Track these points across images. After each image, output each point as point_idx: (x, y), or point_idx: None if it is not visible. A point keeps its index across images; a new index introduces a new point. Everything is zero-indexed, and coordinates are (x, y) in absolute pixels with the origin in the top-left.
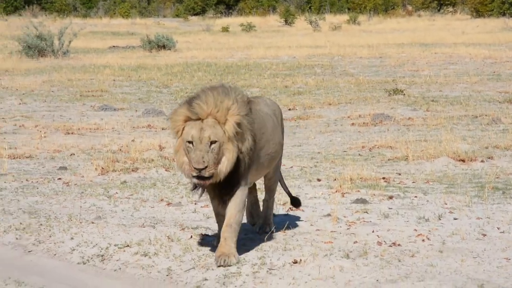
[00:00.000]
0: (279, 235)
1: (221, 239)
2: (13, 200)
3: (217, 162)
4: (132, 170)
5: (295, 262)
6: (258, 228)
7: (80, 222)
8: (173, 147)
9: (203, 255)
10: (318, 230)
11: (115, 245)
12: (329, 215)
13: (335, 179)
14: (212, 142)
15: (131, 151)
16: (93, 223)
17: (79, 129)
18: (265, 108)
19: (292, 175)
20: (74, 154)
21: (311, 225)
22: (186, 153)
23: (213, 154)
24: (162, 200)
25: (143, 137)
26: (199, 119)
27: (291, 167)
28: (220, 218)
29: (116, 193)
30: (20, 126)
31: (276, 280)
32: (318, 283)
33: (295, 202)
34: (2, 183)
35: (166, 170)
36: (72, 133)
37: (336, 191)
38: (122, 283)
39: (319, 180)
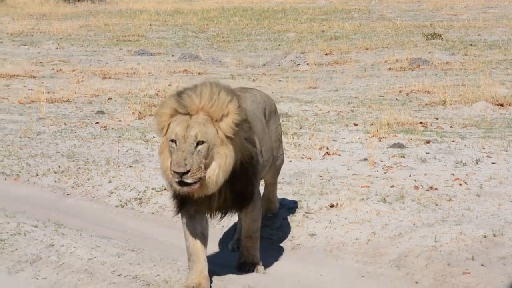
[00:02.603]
0: (316, 179)
1: (243, 249)
2: (51, 144)
3: (205, 167)
4: None
5: (332, 206)
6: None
7: (118, 166)
8: (158, 148)
9: None
10: (355, 174)
11: (152, 189)
12: (366, 159)
13: (372, 124)
14: (199, 143)
15: (167, 96)
16: (130, 166)
17: (116, 73)
18: (253, 105)
19: (329, 119)
20: (111, 99)
21: (348, 169)
22: (170, 155)
23: (199, 157)
24: None
25: (179, 81)
26: (187, 114)
27: (328, 112)
28: (198, 240)
29: (153, 137)
30: (57, 71)
31: (312, 224)
32: (354, 227)
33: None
34: (40, 126)
35: None
36: (109, 78)
37: (373, 136)
38: (159, 225)
39: (356, 124)
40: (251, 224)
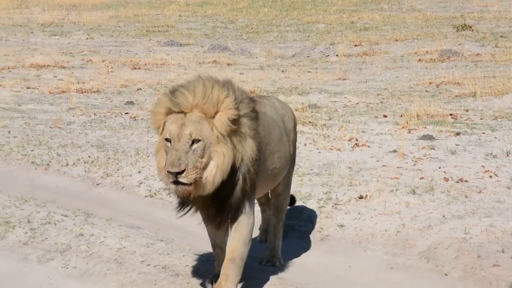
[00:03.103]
0: (345, 171)
1: (221, 277)
2: (81, 134)
3: (202, 167)
4: None
5: (361, 197)
6: (265, 261)
7: (147, 156)
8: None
9: None
10: (384, 166)
11: None
12: (395, 151)
13: (401, 115)
14: (194, 141)
15: None
16: None
17: (145, 64)
18: (271, 111)
19: (358, 111)
20: (140, 89)
21: (377, 161)
22: (166, 155)
23: (194, 156)
24: None
25: (208, 72)
26: (182, 112)
27: (357, 103)
28: (217, 251)
29: None
30: (87, 61)
31: (341, 215)
32: (383, 218)
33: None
34: (70, 117)
35: None
36: (138, 68)
37: (402, 127)
38: (188, 216)
39: (385, 116)
40: (237, 246)
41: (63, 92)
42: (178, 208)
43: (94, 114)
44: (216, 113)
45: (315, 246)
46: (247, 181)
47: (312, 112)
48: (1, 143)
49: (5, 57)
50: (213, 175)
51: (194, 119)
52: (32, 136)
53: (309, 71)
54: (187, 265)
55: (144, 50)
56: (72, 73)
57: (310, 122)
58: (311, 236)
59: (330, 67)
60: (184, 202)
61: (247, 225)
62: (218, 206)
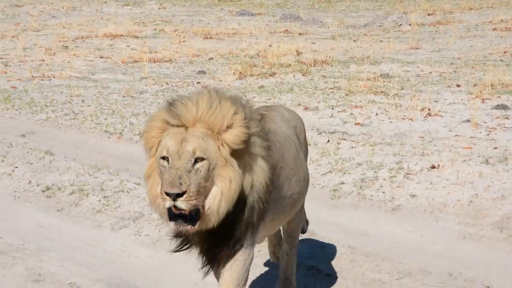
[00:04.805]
0: (417, 140)
1: None
2: (153, 103)
3: (204, 192)
4: (270, 75)
5: (433, 167)
6: None
7: None
8: (144, 172)
9: (340, 159)
10: (457, 135)
11: None
12: (468, 120)
13: (475, 85)
14: (197, 160)
15: (268, 56)
16: None
17: (217, 33)
18: (283, 126)
19: (431, 80)
20: (212, 59)
21: (449, 130)
22: (160, 177)
23: (197, 177)
24: (299, 104)
25: (280, 42)
26: (182, 125)
27: (430, 72)
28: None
29: (254, 97)
30: (159, 31)
31: (413, 185)
32: (456, 188)
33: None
34: (143, 86)
35: (303, 75)
36: (210, 38)
37: (476, 97)
38: None
39: (458, 85)
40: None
41: (136, 61)
42: (176, 249)
43: (166, 83)
44: (223, 130)
45: (386, 216)
46: (255, 213)
47: (384, 81)
48: (75, 112)
49: (79, 27)
50: (217, 203)
51: (198, 135)
52: (105, 105)
53: (381, 41)
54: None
55: (216, 20)
56: (145, 42)
57: (382, 92)
58: (383, 206)
59: (402, 36)
60: (184, 241)
61: (243, 262)
62: (215, 240)
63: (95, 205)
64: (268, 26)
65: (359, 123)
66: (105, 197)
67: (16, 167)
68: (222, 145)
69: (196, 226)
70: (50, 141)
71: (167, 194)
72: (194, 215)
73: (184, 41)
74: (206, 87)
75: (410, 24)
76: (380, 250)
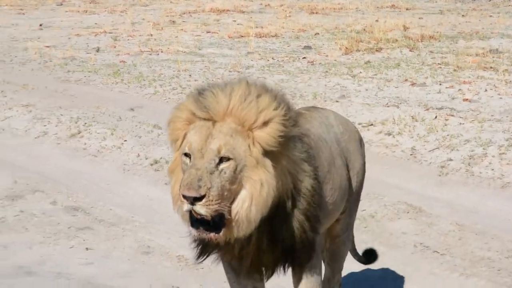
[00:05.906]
0: None
1: None
2: (259, 78)
3: (230, 195)
4: (376, 50)
5: None
6: None
7: (325, 101)
8: (168, 166)
9: (447, 135)
10: None
11: (359, 124)
12: None
13: None
14: (222, 159)
15: (375, 31)
16: (337, 101)
17: (323, 8)
18: (320, 128)
19: None
20: (318, 34)
21: None
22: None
23: (220, 180)
24: (406, 80)
25: (387, 17)
26: (210, 119)
27: None
28: None
29: (360, 72)
30: (266, 6)
31: None
32: None
33: (368, 255)
34: (249, 61)
35: (410, 51)
36: (316, 13)
37: None
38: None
39: None
40: None
41: (242, 36)
42: (197, 255)
43: (272, 58)
44: (257, 126)
45: (495, 193)
46: (315, 215)
47: (493, 57)
48: (182, 86)
49: (186, 2)
50: (245, 209)
51: (226, 131)
52: (212, 80)
53: (490, 16)
54: None
55: None
56: (251, 17)
57: (491, 67)
58: (492, 183)
59: None
60: (206, 249)
61: (316, 269)
62: (266, 254)
63: None
64: (374, 1)
65: (467, 99)
66: None
67: (125, 141)
68: (253, 143)
69: (221, 234)
70: (158, 115)
71: (184, 196)
72: (218, 221)
73: (290, 16)
74: (246, 78)
75: None
76: (489, 228)
